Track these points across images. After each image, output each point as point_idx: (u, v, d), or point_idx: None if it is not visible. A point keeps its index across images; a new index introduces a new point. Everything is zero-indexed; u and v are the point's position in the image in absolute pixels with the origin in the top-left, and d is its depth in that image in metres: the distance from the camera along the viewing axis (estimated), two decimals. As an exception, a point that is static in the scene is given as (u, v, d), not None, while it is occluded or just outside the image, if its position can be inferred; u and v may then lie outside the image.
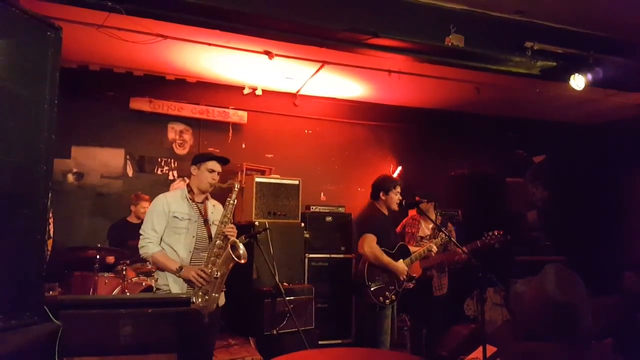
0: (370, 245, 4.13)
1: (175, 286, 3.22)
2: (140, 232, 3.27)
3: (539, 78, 4.95)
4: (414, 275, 4.34)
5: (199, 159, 3.43)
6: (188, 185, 3.44)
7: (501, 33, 4.49)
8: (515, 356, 1.93)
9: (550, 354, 1.74)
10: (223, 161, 3.45)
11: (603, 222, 6.93)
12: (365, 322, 4.42)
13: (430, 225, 4.85)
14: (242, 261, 3.27)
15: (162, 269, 3.25)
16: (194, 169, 3.40)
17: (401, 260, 4.23)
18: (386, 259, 4.13)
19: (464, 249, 3.97)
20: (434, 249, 4.39)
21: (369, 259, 4.15)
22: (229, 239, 3.27)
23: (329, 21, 3.98)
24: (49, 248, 3.38)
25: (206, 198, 3.45)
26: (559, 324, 1.75)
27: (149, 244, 3.20)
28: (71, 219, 5.31)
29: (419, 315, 4.91)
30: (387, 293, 4.14)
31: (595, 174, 7.18)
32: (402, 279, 4.19)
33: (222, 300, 3.41)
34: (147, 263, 3.23)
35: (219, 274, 3.20)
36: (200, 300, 3.15)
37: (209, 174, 3.35)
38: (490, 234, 4.52)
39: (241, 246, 3.28)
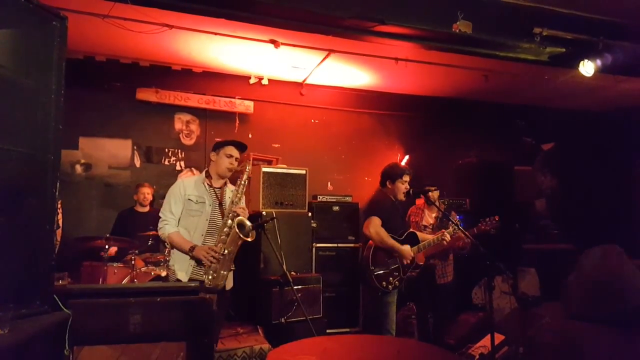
0: (375, 227, 4.11)
1: (181, 274, 3.31)
2: (160, 214, 3.42)
3: (548, 64, 4.89)
4: (420, 262, 4.33)
5: (218, 145, 3.54)
6: (206, 171, 3.55)
7: (509, 19, 4.43)
8: (555, 334, 1.91)
9: (591, 336, 1.71)
10: (241, 147, 3.56)
11: (612, 209, 6.87)
12: (370, 309, 4.41)
13: (434, 214, 4.83)
14: (249, 239, 3.34)
15: (177, 249, 3.36)
16: (213, 155, 3.53)
17: (407, 245, 4.20)
18: (391, 241, 4.11)
19: (467, 233, 3.95)
20: (447, 237, 4.30)
21: (374, 241, 4.14)
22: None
23: (335, 8, 3.94)
24: (58, 238, 3.45)
25: (225, 184, 3.55)
26: (602, 303, 1.72)
27: (165, 225, 3.35)
28: (80, 209, 5.35)
29: (424, 303, 4.90)
30: (390, 279, 4.11)
31: (604, 162, 7.10)
32: (405, 262, 4.15)
33: (229, 284, 3.47)
34: (165, 243, 3.47)
35: (226, 251, 3.27)
36: (209, 277, 3.23)
37: (227, 159, 3.47)
38: (487, 220, 4.49)
39: (247, 223, 3.34)
